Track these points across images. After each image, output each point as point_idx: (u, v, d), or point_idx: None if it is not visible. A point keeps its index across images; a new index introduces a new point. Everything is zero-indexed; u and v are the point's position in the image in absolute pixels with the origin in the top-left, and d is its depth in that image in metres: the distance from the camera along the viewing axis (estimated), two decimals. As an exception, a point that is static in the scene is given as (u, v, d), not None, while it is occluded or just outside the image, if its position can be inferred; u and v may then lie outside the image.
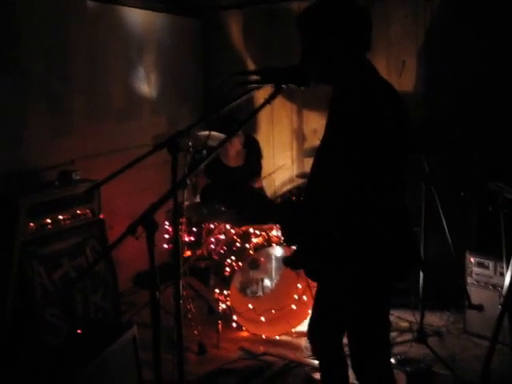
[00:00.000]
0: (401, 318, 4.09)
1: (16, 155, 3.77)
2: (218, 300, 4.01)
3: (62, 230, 3.48)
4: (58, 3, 4.04)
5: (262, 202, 2.08)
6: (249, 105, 4.66)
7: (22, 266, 3.17)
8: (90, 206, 3.69)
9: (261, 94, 2.06)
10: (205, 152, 4.51)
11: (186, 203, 3.89)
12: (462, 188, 4.01)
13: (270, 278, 4.30)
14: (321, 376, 2.58)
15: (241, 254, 4.00)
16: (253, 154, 5.04)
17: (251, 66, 5.51)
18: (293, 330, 4.05)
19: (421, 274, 3.71)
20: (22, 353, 3.15)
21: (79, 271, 3.49)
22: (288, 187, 4.80)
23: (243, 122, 2.14)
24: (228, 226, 4.24)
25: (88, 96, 4.40)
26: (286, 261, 2.27)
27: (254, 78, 2.02)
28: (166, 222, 4.25)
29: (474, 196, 4.01)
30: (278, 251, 4.21)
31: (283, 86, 1.97)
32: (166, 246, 4.25)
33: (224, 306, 3.99)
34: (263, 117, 5.56)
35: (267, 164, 5.57)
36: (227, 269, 3.99)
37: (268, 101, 1.90)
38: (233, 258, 4.00)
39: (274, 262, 4.27)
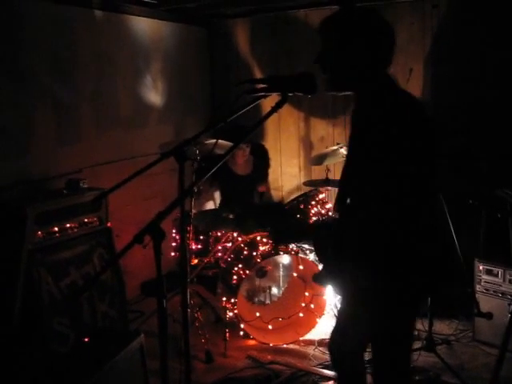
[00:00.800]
0: (409, 326, 4.06)
1: (24, 164, 3.79)
2: (225, 308, 4.00)
3: (69, 238, 3.48)
4: (64, 12, 4.07)
5: (294, 222, 2.07)
6: (256, 113, 4.67)
7: (29, 273, 3.17)
8: (97, 215, 3.70)
9: (268, 102, 2.06)
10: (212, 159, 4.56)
11: (194, 211, 3.89)
12: (469, 195, 3.99)
13: (278, 286, 4.29)
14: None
15: (248, 262, 3.99)
16: (261, 162, 5.05)
17: (258, 74, 5.52)
18: (300, 339, 4.04)
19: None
20: (29, 361, 3.15)
21: (86, 279, 3.49)
22: (295, 195, 4.79)
23: (250, 131, 2.14)
24: (235, 234, 4.24)
25: (95, 105, 4.43)
26: (316, 278, 2.25)
27: (261, 86, 2.02)
28: (174, 230, 4.25)
29: (482, 203, 3.99)
30: (285, 259, 4.20)
31: (290, 93, 1.97)
32: (173, 254, 4.25)
33: (231, 314, 3.98)
34: (270, 125, 5.56)
35: (274, 171, 5.58)
36: (234, 277, 3.98)
37: (275, 109, 1.90)
38: (240, 266, 3.99)
39: (281, 270, 4.27)
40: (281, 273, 4.28)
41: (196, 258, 4.14)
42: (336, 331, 2.48)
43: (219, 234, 4.23)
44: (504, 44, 4.30)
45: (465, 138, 4.47)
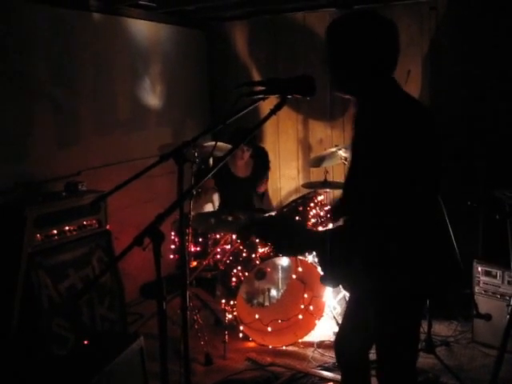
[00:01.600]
0: (408, 327, 4.07)
1: (23, 166, 3.80)
2: (224, 310, 4.00)
3: (68, 240, 3.48)
4: (63, 15, 4.08)
5: (296, 231, 2.06)
6: (255, 115, 4.68)
7: (28, 276, 3.17)
8: (96, 217, 3.70)
9: (266, 105, 2.06)
10: (211, 162, 4.56)
11: (192, 213, 3.89)
12: (468, 196, 4.00)
13: (277, 288, 4.29)
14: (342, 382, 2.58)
15: (247, 264, 3.99)
16: (261, 164, 5.06)
17: (256, 76, 5.53)
18: (299, 341, 4.04)
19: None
20: (28, 363, 3.15)
21: (86, 282, 3.49)
22: (294, 197, 4.80)
23: (248, 133, 2.15)
24: (234, 236, 4.24)
25: (94, 107, 4.43)
26: (324, 280, 2.25)
27: (260, 88, 2.02)
28: (172, 233, 4.25)
29: (480, 204, 4.00)
30: (284, 261, 4.20)
31: (289, 96, 1.97)
32: (172, 256, 4.25)
33: (230, 316, 3.97)
34: (269, 127, 5.57)
35: (273, 174, 5.58)
36: (234, 279, 3.98)
37: (274, 111, 1.90)
38: (239, 268, 4.00)
39: (280, 272, 4.27)
40: (280, 275, 4.28)
41: (195, 260, 4.15)
42: (342, 331, 2.50)
43: (218, 236, 4.24)
44: (502, 45, 4.31)
45: (463, 139, 4.48)
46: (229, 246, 4.22)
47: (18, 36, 3.73)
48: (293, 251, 2.35)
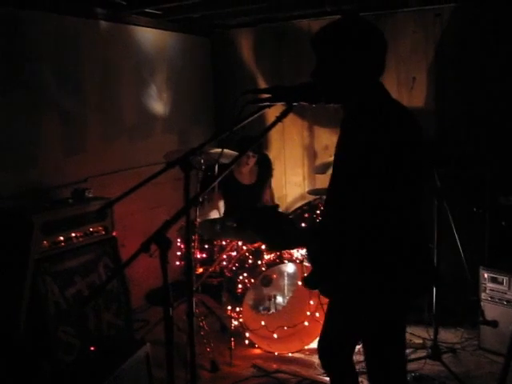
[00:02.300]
0: (414, 334, 4.06)
1: (30, 173, 3.82)
2: (230, 317, 4.00)
3: (74, 247, 3.49)
4: (71, 23, 4.11)
5: (287, 228, 2.06)
6: (260, 122, 4.69)
7: (35, 283, 3.18)
8: (102, 224, 3.71)
9: (272, 112, 2.07)
10: (216, 169, 4.57)
11: (198, 220, 3.90)
12: (474, 203, 3.99)
13: (283, 295, 4.29)
14: None
15: (253, 270, 4.00)
16: (265, 171, 5.07)
17: (262, 83, 5.54)
18: (306, 347, 4.04)
19: (434, 290, 3.69)
20: (34, 370, 3.15)
21: (92, 289, 3.50)
22: (299, 204, 4.80)
23: (254, 141, 2.16)
24: (240, 243, 4.24)
25: (101, 114, 4.46)
26: (304, 281, 2.27)
27: (265, 96, 2.03)
28: (178, 240, 4.26)
29: (486, 211, 3.99)
30: (290, 268, 4.20)
31: (295, 103, 1.98)
32: (178, 263, 4.26)
33: (236, 323, 3.98)
34: (274, 134, 5.58)
35: (279, 180, 5.59)
36: (239, 286, 3.99)
37: (279, 119, 1.91)
38: (245, 274, 4.00)
39: (286, 278, 4.27)
40: (286, 281, 4.28)
41: (201, 266, 4.15)
42: (325, 335, 2.51)
43: (224, 242, 4.24)
44: (507, 52, 4.31)
45: (468, 145, 4.48)
46: (235, 253, 4.22)
47: (25, 46, 3.76)
48: (280, 245, 2.35)
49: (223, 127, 5.89)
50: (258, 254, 4.10)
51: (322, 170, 4.46)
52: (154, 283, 4.69)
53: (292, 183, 5.64)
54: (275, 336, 4.07)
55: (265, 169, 5.07)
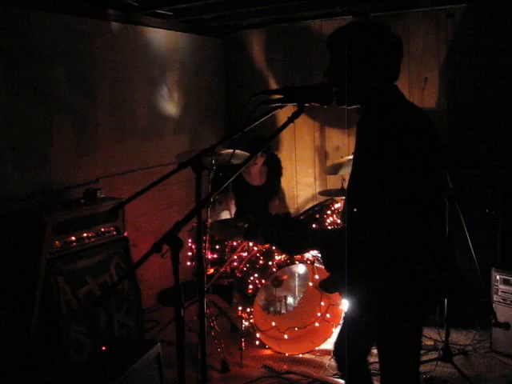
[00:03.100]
0: (426, 336, 4.04)
1: (42, 174, 3.85)
2: (241, 318, 4.00)
3: (86, 247, 3.51)
4: (83, 24, 4.13)
5: (299, 231, 2.06)
6: (272, 123, 4.69)
7: (47, 282, 3.20)
8: (114, 224, 3.73)
9: (283, 113, 2.07)
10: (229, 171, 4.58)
11: (209, 221, 3.91)
12: (486, 204, 3.97)
13: (293, 296, 4.29)
14: None
15: (264, 271, 4.00)
16: (274, 172, 5.07)
17: (273, 84, 5.54)
18: (316, 348, 4.03)
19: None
20: (46, 369, 3.17)
21: (103, 288, 3.52)
22: (311, 205, 4.80)
23: (266, 142, 2.15)
24: (251, 244, 4.24)
25: (113, 115, 4.48)
26: (322, 285, 2.26)
27: (277, 96, 2.03)
28: (189, 240, 4.27)
29: (498, 212, 3.96)
30: (301, 269, 4.20)
31: (306, 104, 1.98)
32: (189, 263, 4.27)
33: (247, 323, 3.98)
34: (285, 134, 5.58)
35: (290, 181, 5.59)
36: (250, 286, 3.99)
37: (291, 120, 1.91)
38: (256, 275, 4.00)
39: (297, 279, 4.26)
40: (296, 282, 4.28)
41: (212, 267, 4.16)
42: (342, 337, 2.49)
43: (235, 243, 4.25)
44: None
45: (481, 146, 4.46)
46: (246, 254, 4.23)
47: (38, 46, 3.78)
48: (296, 247, 2.34)
49: (235, 128, 5.90)
50: (268, 254, 4.10)
51: (333, 170, 4.45)
52: (165, 283, 4.72)
53: (303, 184, 5.63)
54: (286, 337, 4.07)
55: (274, 168, 5.08)
